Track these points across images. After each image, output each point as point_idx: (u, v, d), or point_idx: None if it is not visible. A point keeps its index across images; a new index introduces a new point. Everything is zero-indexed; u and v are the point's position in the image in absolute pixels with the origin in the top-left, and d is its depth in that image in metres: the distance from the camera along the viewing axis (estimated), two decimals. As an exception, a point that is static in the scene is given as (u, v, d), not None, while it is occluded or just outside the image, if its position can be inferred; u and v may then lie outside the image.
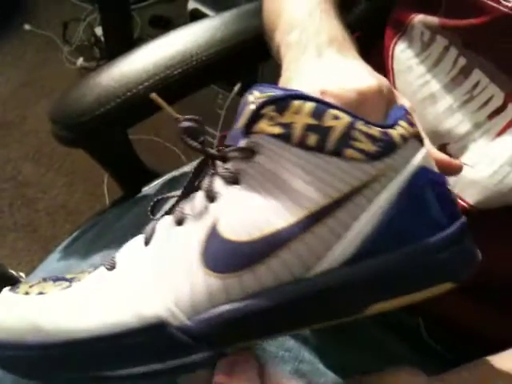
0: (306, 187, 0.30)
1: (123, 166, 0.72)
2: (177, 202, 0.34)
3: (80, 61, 1.63)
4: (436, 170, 0.32)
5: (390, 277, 0.30)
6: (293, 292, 0.29)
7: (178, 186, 0.35)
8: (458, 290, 0.33)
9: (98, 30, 1.64)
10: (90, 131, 0.60)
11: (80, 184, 1.39)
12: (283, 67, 0.40)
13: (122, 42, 1.44)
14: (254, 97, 0.31)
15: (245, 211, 0.30)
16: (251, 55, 0.65)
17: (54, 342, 0.30)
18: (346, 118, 0.30)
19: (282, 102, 0.30)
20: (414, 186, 0.30)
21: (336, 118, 0.30)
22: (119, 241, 0.61)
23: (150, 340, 0.30)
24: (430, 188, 0.31)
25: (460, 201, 0.45)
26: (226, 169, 0.32)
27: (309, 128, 0.30)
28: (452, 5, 0.47)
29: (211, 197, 0.32)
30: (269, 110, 0.30)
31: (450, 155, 0.46)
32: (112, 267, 0.33)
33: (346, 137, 0.30)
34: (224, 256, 0.30)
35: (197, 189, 0.34)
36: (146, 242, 0.33)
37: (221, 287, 0.30)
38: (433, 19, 0.48)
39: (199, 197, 0.33)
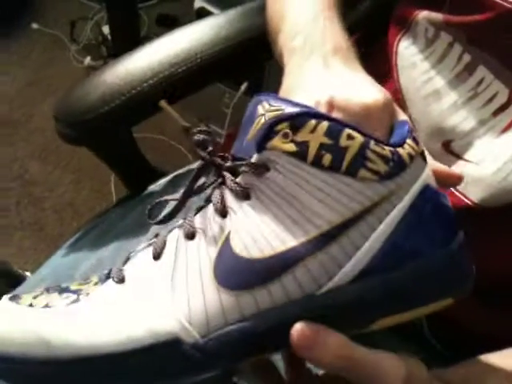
0: (319, 206, 0.30)
1: (128, 165, 0.72)
2: (177, 207, 0.34)
3: (87, 60, 1.63)
4: (436, 186, 0.33)
5: (396, 292, 0.30)
6: (303, 309, 0.30)
7: (184, 184, 0.35)
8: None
9: (106, 29, 1.65)
10: (94, 129, 0.60)
11: (87, 182, 1.39)
12: (286, 71, 0.40)
13: (128, 41, 1.45)
14: (263, 108, 0.31)
15: (257, 228, 0.30)
16: (256, 53, 0.65)
17: (63, 357, 0.30)
18: (359, 138, 0.30)
19: (298, 120, 0.30)
20: (420, 204, 0.31)
21: (350, 137, 0.30)
22: (124, 237, 0.61)
23: (162, 357, 0.29)
24: (432, 205, 0.32)
25: (464, 198, 0.45)
26: (237, 183, 0.31)
27: (324, 147, 0.30)
28: (457, 1, 0.47)
29: (222, 212, 0.31)
30: (283, 127, 0.30)
31: (454, 152, 0.46)
32: (121, 280, 0.32)
33: (360, 157, 0.30)
34: (237, 272, 0.30)
35: (196, 193, 0.34)
36: (157, 256, 0.32)
37: (234, 304, 0.30)
38: (437, 15, 0.48)
39: (210, 211, 0.32)
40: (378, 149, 0.30)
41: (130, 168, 0.73)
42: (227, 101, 1.42)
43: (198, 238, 0.32)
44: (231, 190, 0.32)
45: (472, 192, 0.45)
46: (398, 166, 0.31)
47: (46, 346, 0.30)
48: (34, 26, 1.72)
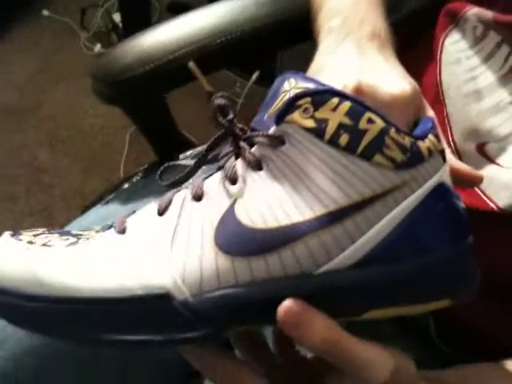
0: (329, 185, 0.30)
1: (159, 131, 0.73)
2: (189, 173, 0.34)
3: (97, 47, 1.63)
4: (451, 186, 0.33)
5: (394, 285, 0.30)
6: (298, 286, 0.29)
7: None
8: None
9: (116, 17, 1.64)
10: (129, 90, 0.60)
11: (96, 170, 1.38)
12: (319, 50, 0.39)
13: (140, 28, 1.43)
14: (290, 85, 0.31)
15: (264, 199, 0.30)
16: (295, 34, 0.64)
17: (55, 296, 0.30)
18: (380, 124, 0.30)
19: (320, 97, 0.30)
20: (432, 201, 0.31)
21: (371, 121, 0.30)
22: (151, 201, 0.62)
23: (151, 310, 0.30)
24: (444, 204, 0.32)
25: (490, 203, 0.44)
26: (251, 153, 0.31)
27: (343, 127, 0.30)
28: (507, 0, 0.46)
29: (233, 179, 0.31)
30: (305, 102, 0.30)
31: (487, 155, 0.45)
32: (122, 231, 0.32)
33: (378, 142, 0.30)
34: (238, 239, 0.30)
35: (209, 161, 0.34)
36: (161, 213, 0.32)
37: (230, 269, 0.30)
38: (487, 13, 0.47)
39: (220, 176, 0.32)
40: (397, 137, 0.30)
41: (160, 134, 0.73)
42: (238, 90, 1.41)
43: (205, 200, 0.32)
44: (244, 158, 0.31)
45: (499, 197, 0.44)
46: (415, 158, 0.30)
47: (39, 283, 0.30)
48: (45, 12, 1.71)
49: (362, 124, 0.29)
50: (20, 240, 0.33)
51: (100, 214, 0.62)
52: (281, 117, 0.30)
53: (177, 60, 0.58)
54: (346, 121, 0.29)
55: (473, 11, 0.48)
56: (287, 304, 0.28)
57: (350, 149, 0.30)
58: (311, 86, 0.31)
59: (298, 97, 0.30)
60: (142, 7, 1.45)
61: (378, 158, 0.30)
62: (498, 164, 0.45)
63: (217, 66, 0.63)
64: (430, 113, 0.37)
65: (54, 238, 0.33)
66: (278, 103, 0.31)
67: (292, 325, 0.28)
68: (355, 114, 0.30)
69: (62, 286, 0.30)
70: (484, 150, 0.46)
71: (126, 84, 0.59)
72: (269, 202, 0.30)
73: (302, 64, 0.44)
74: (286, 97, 0.31)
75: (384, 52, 0.38)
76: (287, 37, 0.65)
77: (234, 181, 0.31)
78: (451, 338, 0.51)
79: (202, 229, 0.30)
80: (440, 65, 0.50)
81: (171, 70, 0.58)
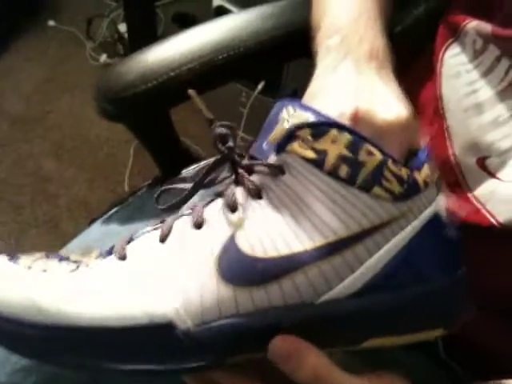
0: (329, 216, 0.30)
1: (163, 146, 0.73)
2: (186, 197, 0.34)
3: (103, 57, 1.63)
4: (446, 216, 0.34)
5: (392, 313, 0.31)
6: (298, 315, 0.30)
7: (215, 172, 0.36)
8: (482, 312, 0.34)
9: (122, 27, 1.64)
10: (132, 106, 0.61)
11: (101, 181, 1.38)
12: (317, 71, 0.39)
13: (145, 39, 1.44)
14: (288, 112, 0.32)
15: (264, 228, 0.31)
16: (299, 48, 0.64)
17: (54, 324, 0.30)
18: (378, 156, 0.30)
19: (320, 128, 0.30)
20: (427, 232, 0.32)
21: (370, 153, 0.30)
22: (154, 219, 0.63)
23: (153, 339, 0.30)
24: (439, 235, 0.32)
25: (490, 217, 0.44)
26: (251, 181, 0.32)
27: (342, 159, 0.30)
28: (506, 13, 0.45)
29: (233, 207, 0.32)
30: (305, 133, 0.30)
31: (488, 169, 0.45)
32: (123, 257, 0.32)
33: (377, 174, 0.30)
34: (239, 268, 0.30)
35: (206, 185, 0.34)
36: (162, 240, 0.33)
37: (231, 299, 0.30)
38: (486, 26, 0.46)
39: (220, 204, 0.33)
40: (394, 168, 0.31)
41: (164, 149, 0.73)
42: (244, 100, 1.41)
43: (206, 228, 0.32)
44: (244, 187, 0.32)
45: (499, 212, 0.43)
46: (412, 189, 0.31)
47: (38, 310, 0.30)
48: (51, 23, 1.72)
49: (362, 156, 0.30)
50: (18, 264, 0.33)
51: (102, 231, 0.62)
52: (281, 146, 0.31)
53: (180, 76, 0.58)
54: (346, 153, 0.30)
55: (472, 24, 0.48)
56: (280, 338, 0.29)
57: (349, 180, 0.30)
58: (310, 115, 0.31)
59: (297, 127, 0.30)
60: (148, 18, 1.45)
61: (376, 190, 0.30)
62: (498, 178, 0.44)
63: (221, 81, 0.63)
64: (423, 138, 0.37)
65: (53, 264, 0.33)
66: (277, 130, 0.31)
67: (284, 358, 0.29)
68: (355, 146, 0.30)
69: (62, 313, 0.30)
70: (485, 164, 0.45)
71: (129, 101, 0.59)
72: (269, 231, 0.30)
73: (307, 75, 0.44)
74: (285, 125, 0.31)
75: (382, 73, 0.38)
76: (291, 50, 0.65)
77: (234, 209, 0.32)
78: (460, 356, 0.51)
79: (204, 257, 0.31)
80: (440, 78, 0.50)
81: (174, 86, 0.59)
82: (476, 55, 0.47)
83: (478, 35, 0.47)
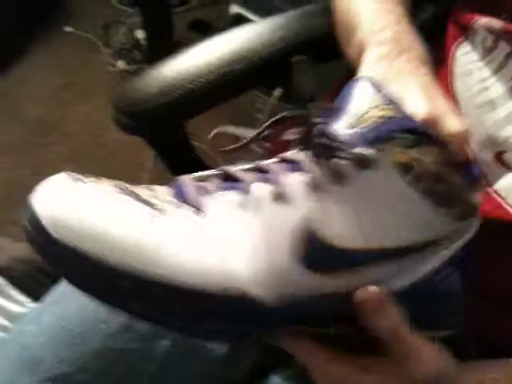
0: (401, 223, 0.31)
1: (178, 156, 0.73)
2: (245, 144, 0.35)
3: (120, 63, 1.65)
4: None
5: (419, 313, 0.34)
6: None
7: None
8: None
9: (138, 33, 1.66)
10: (151, 120, 0.61)
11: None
12: (369, 62, 0.40)
13: (162, 45, 1.45)
14: (375, 100, 0.32)
15: (342, 217, 0.31)
16: (311, 56, 0.65)
17: (135, 272, 0.29)
18: (458, 178, 0.32)
19: (419, 138, 0.31)
20: (458, 256, 0.34)
21: (452, 172, 0.32)
22: None
23: (228, 301, 0.30)
24: (462, 261, 0.35)
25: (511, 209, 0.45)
26: (335, 165, 0.31)
27: (428, 172, 0.31)
28: None
29: (314, 186, 0.32)
30: (404, 138, 0.31)
31: (505, 163, 0.46)
32: (197, 210, 0.32)
33: (454, 193, 0.32)
34: (312, 252, 0.31)
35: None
36: (242, 206, 0.32)
37: (303, 280, 0.31)
38: (497, 23, 0.47)
39: (300, 178, 0.32)
40: (466, 189, 0.32)
41: (180, 160, 0.74)
42: (260, 106, 1.42)
43: (286, 205, 0.31)
44: (325, 168, 0.31)
45: None
46: (470, 212, 0.33)
47: (122, 252, 0.29)
48: (68, 29, 1.74)
49: (449, 176, 0.31)
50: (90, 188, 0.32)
51: None
52: (376, 141, 0.31)
53: (198, 88, 0.59)
54: (433, 167, 0.31)
55: (481, 22, 0.49)
56: (373, 289, 0.31)
57: (428, 193, 0.31)
58: (408, 121, 0.32)
59: (397, 129, 0.31)
60: (165, 25, 1.47)
61: (454, 209, 0.32)
62: None
63: (237, 91, 0.64)
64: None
65: (135, 208, 0.31)
66: (366, 117, 0.32)
67: (371, 309, 0.31)
68: (442, 162, 0.31)
69: (147, 261, 0.29)
70: (502, 159, 0.46)
71: (148, 114, 0.60)
72: (346, 221, 0.31)
73: (322, 80, 0.46)
74: (377, 113, 0.31)
75: (432, 80, 0.40)
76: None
77: (315, 189, 0.31)
78: (491, 354, 0.51)
79: (282, 234, 0.31)
80: (452, 76, 0.51)
81: (192, 98, 0.59)
82: (486, 53, 0.48)
83: (488, 32, 0.48)
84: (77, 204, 0.31)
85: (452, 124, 0.35)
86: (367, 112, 0.32)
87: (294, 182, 0.32)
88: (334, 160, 0.31)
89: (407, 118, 0.32)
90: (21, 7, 1.66)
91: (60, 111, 1.55)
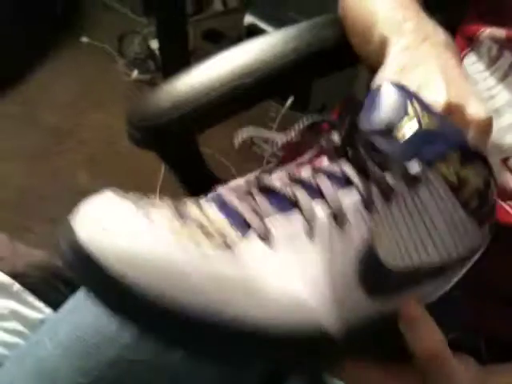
0: (448, 239, 0.32)
1: (192, 171, 0.75)
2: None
3: (135, 73, 1.67)
4: None
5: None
6: None
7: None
8: None
9: (153, 43, 1.69)
10: (165, 134, 0.62)
11: (133, 191, 1.41)
12: (394, 53, 0.41)
13: (177, 55, 1.47)
14: (416, 110, 0.32)
15: (395, 236, 0.31)
16: (324, 66, 0.66)
17: (222, 317, 0.26)
18: (494, 200, 0.33)
19: (469, 156, 0.32)
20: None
21: (496, 194, 0.33)
22: None
23: (307, 339, 0.29)
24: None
25: None
26: (386, 182, 0.31)
27: (478, 193, 0.32)
28: None
29: (369, 206, 0.31)
30: (454, 157, 0.31)
31: (511, 169, 0.47)
32: (265, 237, 0.29)
33: (493, 212, 0.34)
34: (375, 276, 0.30)
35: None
36: (309, 233, 0.30)
37: (365, 303, 0.30)
38: (501, 32, 0.48)
39: (355, 200, 0.31)
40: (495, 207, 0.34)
41: (191, 173, 0.75)
42: (273, 115, 1.43)
43: (345, 225, 0.30)
44: (376, 185, 0.30)
45: None
46: (493, 230, 0.35)
47: (184, 288, 0.26)
48: (84, 39, 1.77)
49: (490, 194, 0.33)
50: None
51: None
52: (427, 159, 0.31)
53: (211, 102, 0.59)
54: (482, 188, 0.32)
55: (487, 32, 0.50)
56: (408, 303, 0.31)
57: (475, 214, 0.32)
58: (459, 137, 0.32)
59: (448, 147, 0.31)
60: (180, 35, 1.48)
61: (488, 226, 0.33)
62: None
63: (250, 103, 0.64)
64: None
65: (195, 232, 0.28)
66: (403, 129, 0.31)
67: (410, 326, 0.31)
68: (489, 183, 0.32)
69: (219, 301, 0.26)
70: (508, 164, 0.47)
71: (161, 129, 0.60)
72: (399, 240, 0.30)
73: (335, 89, 0.46)
74: (413, 125, 0.31)
75: (459, 65, 0.40)
76: (313, 70, 0.66)
77: (369, 208, 0.30)
78: (501, 357, 0.52)
79: (347, 259, 0.30)
80: None
81: (205, 112, 0.60)
82: (492, 62, 0.49)
83: (493, 41, 0.49)
84: (134, 233, 0.26)
85: (475, 110, 0.35)
86: (401, 121, 0.31)
87: (350, 202, 0.31)
88: (386, 176, 0.31)
89: (457, 133, 0.32)
90: (40, 19, 1.70)
91: (75, 119, 1.58)
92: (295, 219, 0.30)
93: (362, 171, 0.31)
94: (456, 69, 0.39)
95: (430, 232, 0.31)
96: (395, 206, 0.31)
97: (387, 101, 0.32)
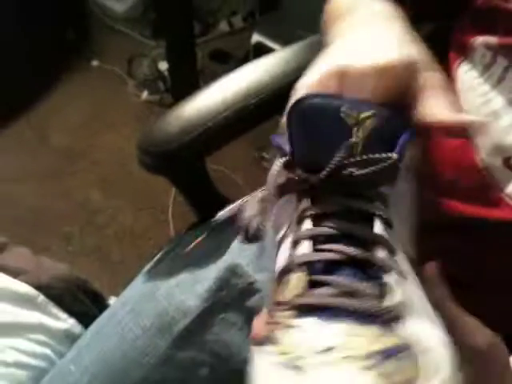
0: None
1: (200, 193, 0.77)
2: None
3: (144, 94, 1.71)
4: None
5: None
6: None
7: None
8: None
9: (161, 65, 1.73)
10: (175, 158, 0.64)
11: (146, 210, 1.44)
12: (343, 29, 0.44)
13: (185, 76, 1.51)
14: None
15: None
16: None
17: None
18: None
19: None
20: None
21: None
22: (198, 261, 0.65)
23: None
24: None
25: None
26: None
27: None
28: (509, 23, 0.49)
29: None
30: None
31: None
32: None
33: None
34: None
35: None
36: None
37: None
38: (493, 39, 0.50)
39: (395, 278, 0.30)
40: None
41: (200, 195, 0.77)
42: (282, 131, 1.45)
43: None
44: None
45: None
46: None
47: None
48: (94, 63, 1.81)
49: None
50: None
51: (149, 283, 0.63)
52: (400, 154, 0.32)
53: (217, 125, 0.62)
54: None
55: (479, 40, 0.52)
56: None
57: None
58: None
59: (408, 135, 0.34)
60: (188, 56, 1.52)
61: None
62: None
63: (254, 123, 0.67)
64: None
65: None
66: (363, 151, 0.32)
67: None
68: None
69: None
70: (510, 164, 0.49)
71: (171, 154, 0.63)
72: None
73: None
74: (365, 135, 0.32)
75: (388, 22, 0.42)
76: None
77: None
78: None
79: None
80: (457, 93, 0.53)
81: (212, 135, 0.62)
82: (485, 69, 0.51)
83: (486, 49, 0.51)
84: None
85: (381, 56, 0.37)
86: (352, 138, 0.31)
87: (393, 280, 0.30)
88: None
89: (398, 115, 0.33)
90: (52, 45, 1.75)
91: (88, 140, 1.61)
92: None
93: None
94: (378, 24, 0.42)
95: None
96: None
97: (324, 130, 0.32)
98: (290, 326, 0.28)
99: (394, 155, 0.30)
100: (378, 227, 0.31)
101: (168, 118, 0.65)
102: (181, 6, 1.33)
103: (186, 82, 1.51)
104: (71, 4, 1.86)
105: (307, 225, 0.31)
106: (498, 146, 0.49)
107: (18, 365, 0.58)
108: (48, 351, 0.60)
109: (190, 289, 0.53)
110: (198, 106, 0.65)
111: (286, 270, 0.30)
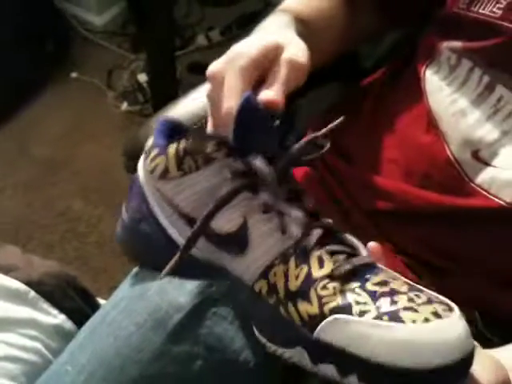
0: None
1: None
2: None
3: (124, 105, 1.73)
4: None
5: None
6: None
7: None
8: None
9: (141, 77, 1.75)
10: None
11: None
12: None
13: (166, 88, 1.54)
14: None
15: None
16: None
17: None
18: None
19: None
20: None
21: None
22: None
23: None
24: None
25: (498, 200, 0.52)
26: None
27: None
28: (470, 29, 0.54)
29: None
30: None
31: (482, 160, 0.53)
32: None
33: None
34: None
35: None
36: None
37: None
38: (457, 44, 0.55)
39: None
40: None
41: None
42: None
43: None
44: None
45: (504, 194, 0.51)
46: None
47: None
48: (74, 75, 1.83)
49: None
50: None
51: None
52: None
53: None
54: None
55: (444, 44, 0.56)
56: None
57: None
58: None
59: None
60: (168, 68, 1.56)
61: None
62: (493, 166, 0.52)
63: None
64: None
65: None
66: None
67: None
68: None
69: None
70: (478, 156, 0.53)
71: None
72: None
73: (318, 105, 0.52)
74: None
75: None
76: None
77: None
78: (496, 328, 0.56)
79: None
80: (426, 94, 0.57)
81: None
82: (451, 71, 0.56)
83: (451, 52, 0.56)
84: None
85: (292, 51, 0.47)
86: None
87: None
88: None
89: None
90: (32, 57, 1.77)
91: (69, 150, 1.63)
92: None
93: None
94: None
95: None
96: None
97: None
98: (350, 290, 0.38)
99: None
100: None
101: (152, 124, 0.68)
102: (162, 21, 1.37)
103: (166, 93, 1.54)
104: (50, 17, 1.89)
105: (296, 213, 0.42)
106: (467, 141, 0.53)
107: (8, 358, 0.60)
108: (39, 345, 0.62)
109: (180, 286, 0.53)
110: (180, 112, 0.68)
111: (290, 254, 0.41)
